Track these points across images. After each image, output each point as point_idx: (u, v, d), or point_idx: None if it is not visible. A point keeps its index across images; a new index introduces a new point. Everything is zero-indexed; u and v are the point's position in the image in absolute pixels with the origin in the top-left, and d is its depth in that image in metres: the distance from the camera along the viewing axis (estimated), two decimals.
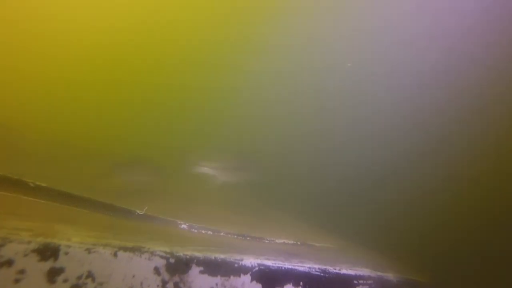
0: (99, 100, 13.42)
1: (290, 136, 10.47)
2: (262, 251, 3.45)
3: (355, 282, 3.89)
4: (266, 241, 4.59)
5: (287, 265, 3.13)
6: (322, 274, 3.46)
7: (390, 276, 4.77)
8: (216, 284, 2.37)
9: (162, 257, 2.18)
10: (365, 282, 4.08)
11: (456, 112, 7.45)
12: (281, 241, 4.83)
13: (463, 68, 7.61)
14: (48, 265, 1.80)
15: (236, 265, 2.61)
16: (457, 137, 7.16)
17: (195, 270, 2.28)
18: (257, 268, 2.78)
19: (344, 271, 3.85)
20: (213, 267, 2.42)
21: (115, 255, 1.95)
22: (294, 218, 6.64)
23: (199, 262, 2.36)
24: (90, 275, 1.85)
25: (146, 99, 13.74)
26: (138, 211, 3.44)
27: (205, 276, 2.32)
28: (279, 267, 3.00)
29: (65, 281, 1.80)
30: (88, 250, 1.85)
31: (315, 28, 11.16)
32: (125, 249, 2.02)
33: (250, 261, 2.78)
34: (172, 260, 2.21)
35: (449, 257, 6.00)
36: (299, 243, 5.05)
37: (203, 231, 3.99)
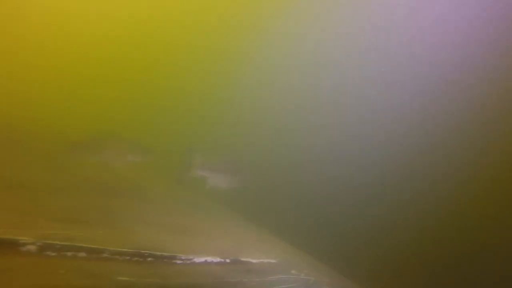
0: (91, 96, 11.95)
1: (270, 143, 9.39)
2: None
3: None
4: (177, 262, 3.34)
5: None
6: None
7: None
8: None
9: None
10: None
11: (460, 121, 6.68)
12: (202, 259, 3.61)
13: (471, 70, 6.79)
14: None
15: None
16: (459, 150, 6.42)
17: None
18: None
19: None
20: None
21: None
22: (245, 229, 5.42)
23: None
24: None
25: (140, 99, 12.43)
26: None
27: None
28: None
29: None
30: None
31: (316, 28, 10.10)
32: None
33: None
34: None
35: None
36: (228, 260, 3.87)
37: (68, 253, 2.63)
